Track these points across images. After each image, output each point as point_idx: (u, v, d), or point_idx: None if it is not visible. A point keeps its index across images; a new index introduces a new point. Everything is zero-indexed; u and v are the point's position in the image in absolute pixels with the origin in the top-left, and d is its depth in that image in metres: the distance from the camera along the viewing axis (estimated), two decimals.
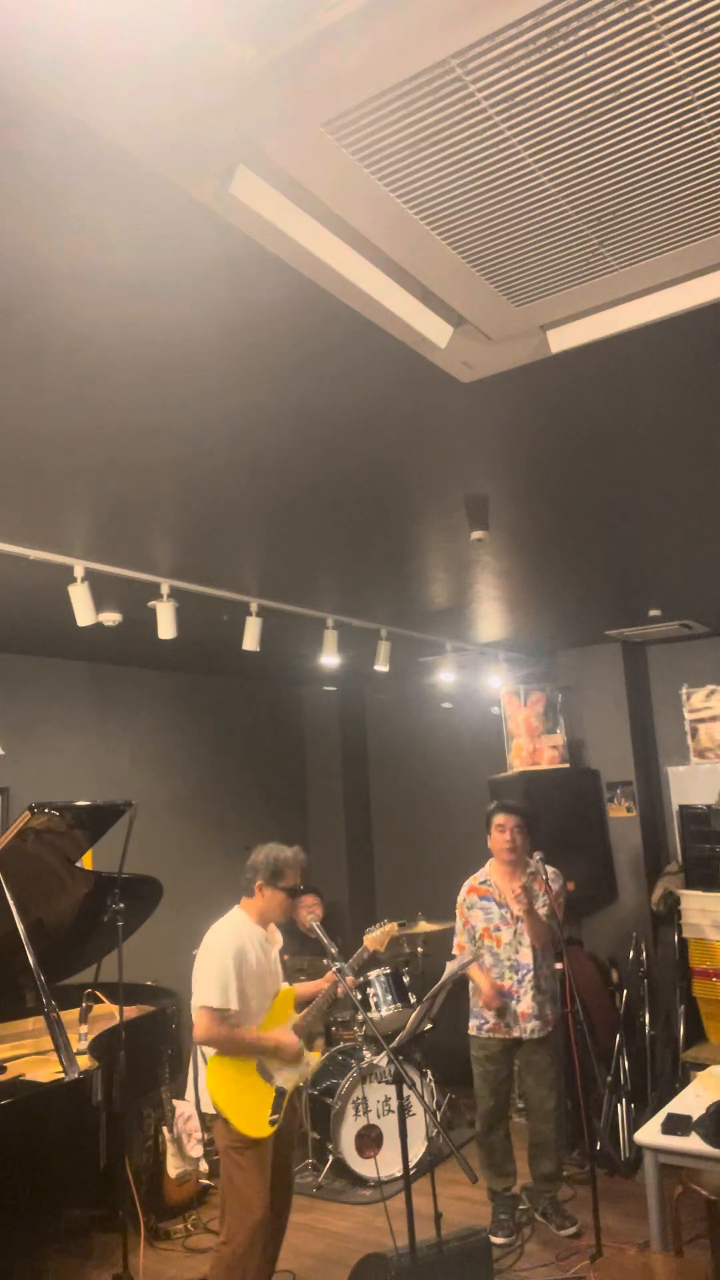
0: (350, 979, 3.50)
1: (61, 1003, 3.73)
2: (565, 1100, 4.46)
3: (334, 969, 3.50)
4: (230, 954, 3.29)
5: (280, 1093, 3.36)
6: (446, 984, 3.62)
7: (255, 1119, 3.28)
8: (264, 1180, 3.28)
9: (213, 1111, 3.30)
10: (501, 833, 4.33)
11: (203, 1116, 3.44)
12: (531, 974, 4.23)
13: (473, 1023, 4.37)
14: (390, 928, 3.88)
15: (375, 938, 3.83)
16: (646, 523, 3.55)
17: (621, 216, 1.59)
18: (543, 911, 4.26)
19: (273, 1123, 3.32)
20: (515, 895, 4.21)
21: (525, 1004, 4.23)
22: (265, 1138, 3.30)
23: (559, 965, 4.35)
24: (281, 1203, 3.52)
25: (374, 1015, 4.92)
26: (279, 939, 3.61)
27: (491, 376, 2.15)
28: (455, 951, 4.48)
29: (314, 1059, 3.55)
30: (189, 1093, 3.48)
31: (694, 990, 5.21)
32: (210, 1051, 3.35)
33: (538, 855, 4.35)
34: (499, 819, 4.35)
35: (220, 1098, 3.28)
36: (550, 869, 4.38)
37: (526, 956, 4.25)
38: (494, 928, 4.33)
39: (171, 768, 6.20)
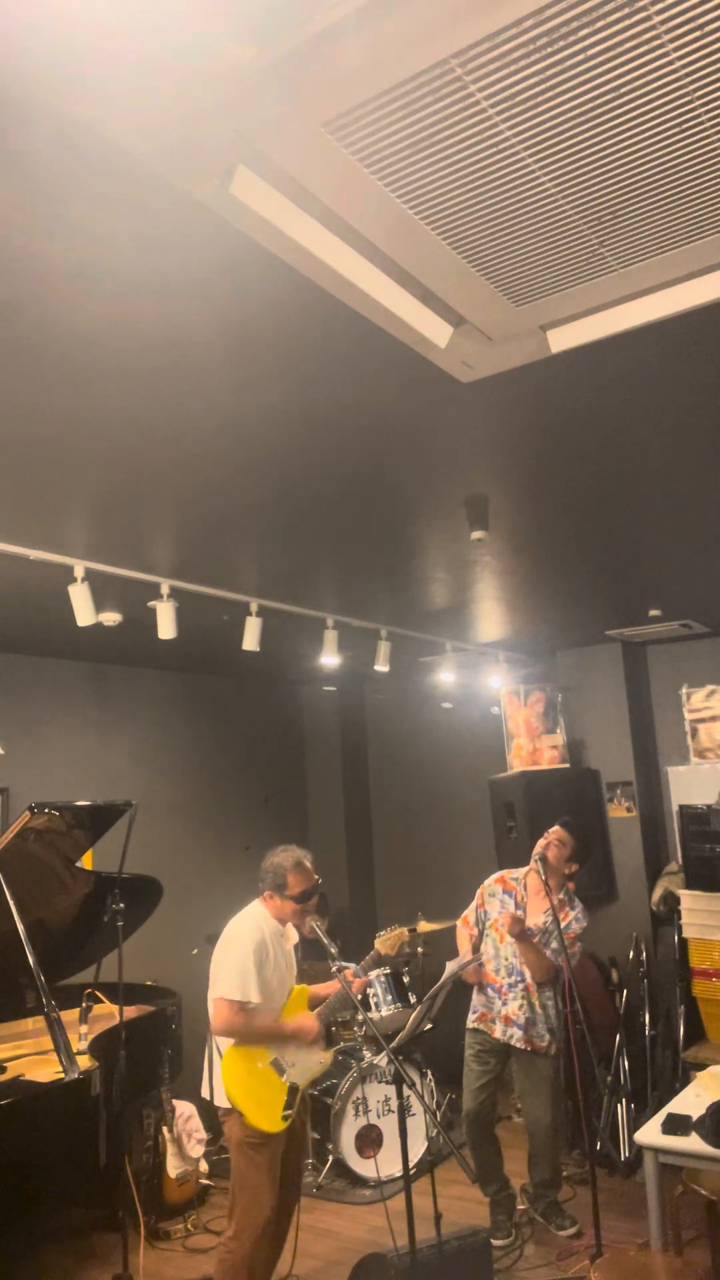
0: (359, 980, 3.50)
1: (61, 1003, 3.73)
2: (564, 1105, 4.45)
3: (335, 968, 3.49)
4: (252, 947, 3.30)
5: (293, 1088, 3.37)
6: (446, 984, 3.63)
7: (269, 1113, 3.29)
8: (275, 1177, 3.28)
9: (226, 1106, 3.30)
10: (544, 839, 4.34)
11: (214, 1111, 3.44)
12: (523, 985, 4.23)
13: (470, 1014, 4.39)
14: (400, 932, 3.90)
15: (385, 941, 3.83)
16: (647, 523, 3.55)
17: (621, 216, 1.59)
18: (548, 950, 4.21)
19: (286, 1118, 3.32)
20: (510, 919, 4.18)
21: (510, 1008, 4.22)
22: (278, 1133, 3.31)
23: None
24: (289, 1202, 3.52)
25: (374, 1015, 4.92)
26: (294, 935, 3.62)
27: (491, 376, 2.15)
28: (459, 924, 4.50)
29: (327, 1057, 3.55)
30: (203, 1086, 3.47)
31: (694, 990, 5.21)
32: (225, 1045, 3.34)
33: (572, 886, 4.37)
34: (551, 828, 4.37)
35: (235, 1091, 3.28)
36: (579, 907, 4.36)
37: (525, 966, 4.24)
38: (503, 923, 4.33)
39: (171, 768, 6.20)
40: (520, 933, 4.16)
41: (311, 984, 3.84)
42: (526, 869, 4.43)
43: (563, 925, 4.23)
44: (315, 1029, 3.41)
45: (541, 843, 4.32)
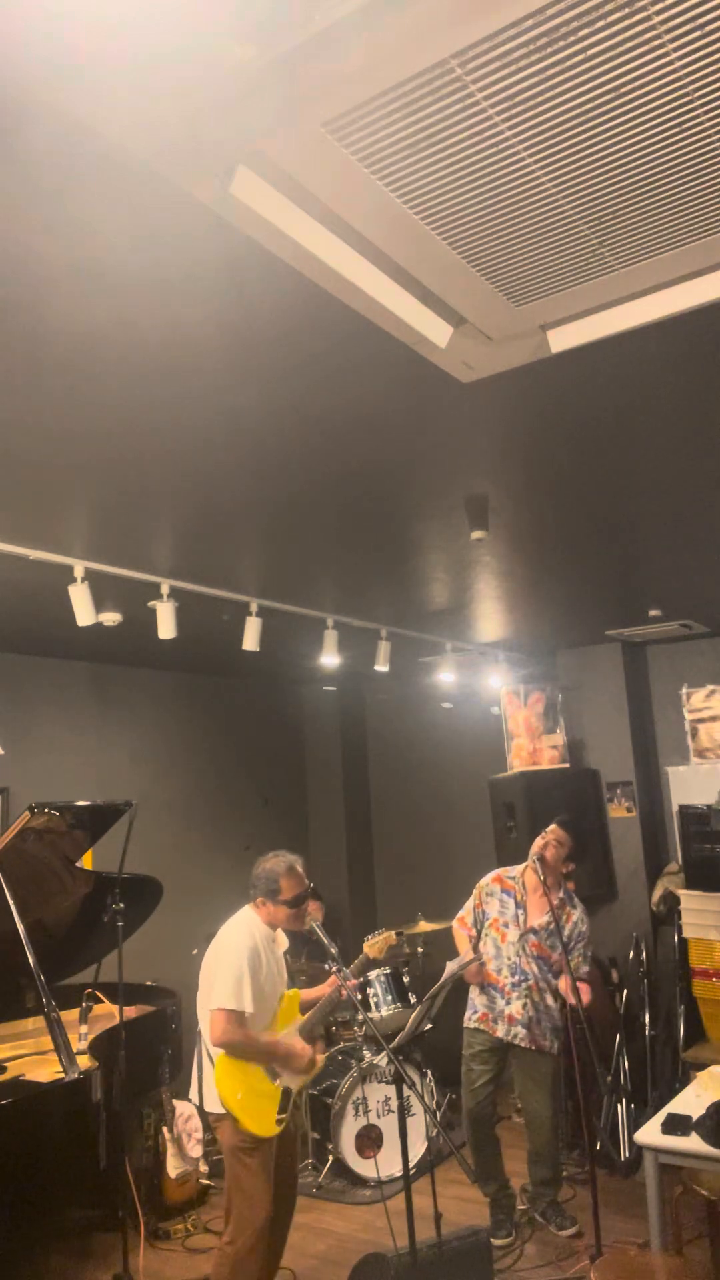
0: (351, 981, 3.50)
1: (61, 1003, 3.73)
2: (564, 1105, 4.45)
3: (335, 970, 3.50)
4: (246, 955, 3.28)
5: (286, 1092, 3.37)
6: (446, 984, 3.62)
7: (263, 1118, 3.28)
8: (269, 1180, 3.28)
9: (219, 1111, 3.29)
10: (542, 838, 4.33)
11: (205, 1115, 3.44)
12: (527, 984, 4.23)
13: (466, 1013, 4.38)
14: (389, 936, 3.90)
15: (373, 945, 3.84)
16: (646, 523, 3.55)
17: (621, 216, 1.59)
18: (554, 954, 4.24)
19: (279, 1122, 3.32)
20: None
21: (514, 1008, 4.22)
22: (271, 1137, 3.30)
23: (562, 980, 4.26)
24: (285, 1204, 3.52)
25: (374, 1015, 4.92)
26: (284, 940, 3.61)
27: (491, 376, 2.15)
28: (456, 924, 4.49)
29: (319, 1060, 3.56)
30: (192, 1091, 3.47)
31: (694, 990, 5.21)
32: (217, 1051, 3.34)
33: (571, 885, 4.37)
34: (549, 826, 4.36)
35: (228, 1097, 3.27)
36: (580, 908, 4.36)
37: (530, 966, 4.24)
38: (503, 923, 4.32)
39: (172, 768, 6.20)
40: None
41: (310, 985, 3.84)
42: (523, 866, 4.42)
43: (568, 929, 4.23)
44: (307, 1055, 3.41)
45: (539, 841, 4.31)
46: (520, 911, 4.31)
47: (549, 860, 4.25)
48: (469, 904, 4.47)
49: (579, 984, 4.12)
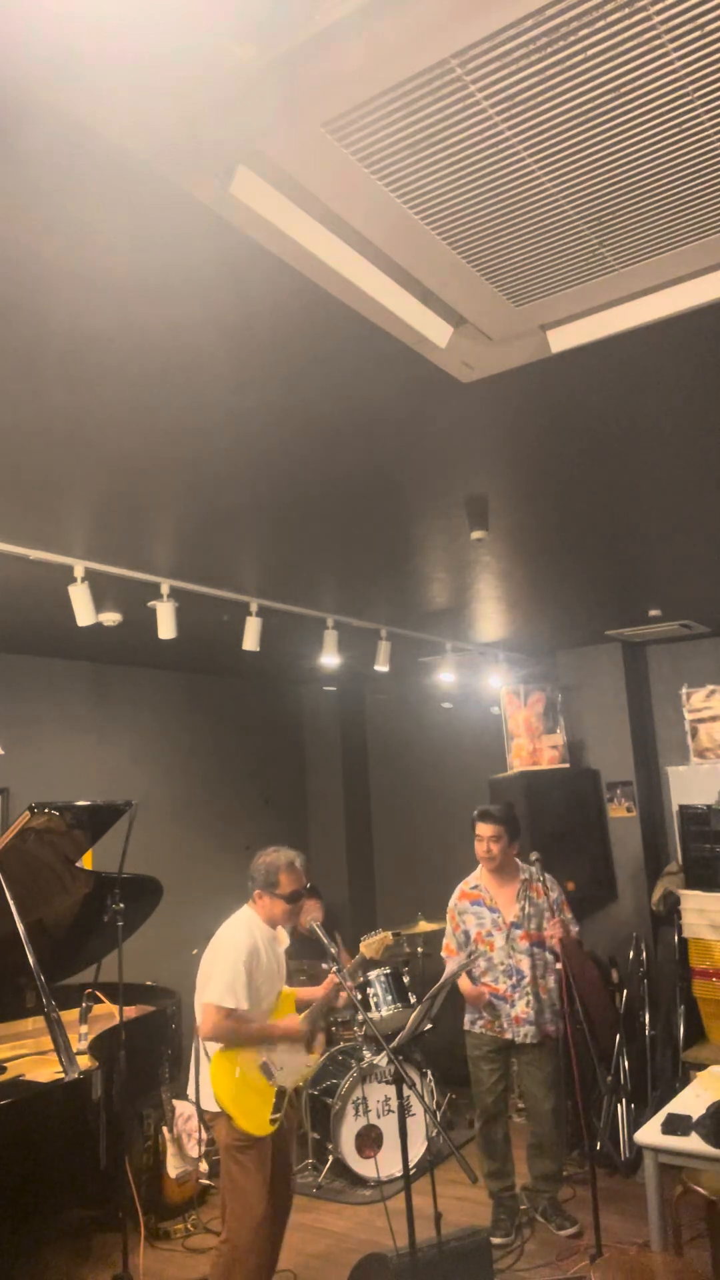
0: (350, 984, 3.51)
1: (61, 1003, 3.73)
2: (565, 1100, 4.45)
3: (333, 970, 3.50)
4: (244, 954, 3.29)
5: (281, 1091, 3.37)
6: (446, 984, 3.62)
7: (257, 1117, 3.29)
8: (265, 1179, 3.28)
9: (214, 1109, 3.30)
10: (479, 842, 4.34)
11: (202, 1114, 3.44)
12: (527, 980, 4.23)
13: (467, 1018, 4.38)
14: (385, 937, 3.90)
15: (370, 945, 3.84)
16: (647, 523, 3.55)
17: (621, 216, 1.59)
18: (543, 934, 4.28)
19: (274, 1121, 3.33)
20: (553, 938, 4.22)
21: (519, 1009, 4.23)
22: (266, 1136, 3.31)
23: (558, 965, 4.29)
24: (282, 1203, 3.52)
25: (374, 1015, 4.92)
26: (285, 938, 3.62)
27: (491, 376, 2.15)
28: (444, 954, 4.48)
29: (314, 1059, 3.56)
30: (189, 1090, 3.48)
31: (694, 990, 5.21)
32: (213, 1049, 3.34)
33: (534, 855, 4.36)
34: (477, 828, 4.35)
35: (223, 1095, 3.28)
36: (548, 876, 4.38)
37: (523, 963, 4.25)
38: (486, 933, 4.32)
39: (172, 768, 6.19)
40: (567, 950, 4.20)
41: (310, 984, 3.83)
42: (479, 870, 4.43)
43: (545, 901, 4.27)
44: (302, 1030, 3.43)
45: (479, 847, 4.33)
46: (495, 914, 4.32)
47: (497, 855, 4.26)
48: (447, 930, 4.47)
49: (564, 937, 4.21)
